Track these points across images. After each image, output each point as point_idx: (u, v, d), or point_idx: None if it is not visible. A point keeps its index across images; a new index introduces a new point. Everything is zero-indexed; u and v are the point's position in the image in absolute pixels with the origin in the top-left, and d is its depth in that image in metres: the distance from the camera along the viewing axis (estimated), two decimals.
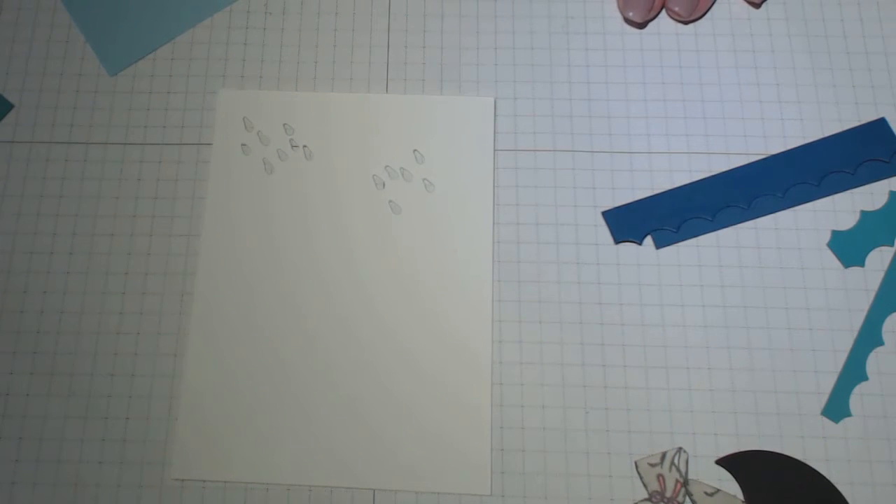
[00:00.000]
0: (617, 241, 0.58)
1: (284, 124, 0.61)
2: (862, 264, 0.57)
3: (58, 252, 0.58)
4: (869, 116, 0.61)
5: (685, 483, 0.52)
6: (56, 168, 0.60)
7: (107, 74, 0.63)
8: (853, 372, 0.54)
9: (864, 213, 0.58)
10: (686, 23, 0.58)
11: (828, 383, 0.55)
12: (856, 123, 0.61)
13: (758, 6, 0.59)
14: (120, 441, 0.54)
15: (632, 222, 0.58)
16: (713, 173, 0.60)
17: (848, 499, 0.52)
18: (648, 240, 0.58)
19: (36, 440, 0.54)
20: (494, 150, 0.60)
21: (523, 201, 0.59)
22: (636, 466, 0.53)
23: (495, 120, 0.61)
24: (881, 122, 0.60)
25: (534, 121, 0.61)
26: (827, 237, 0.58)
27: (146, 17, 0.65)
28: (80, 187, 0.60)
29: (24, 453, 0.54)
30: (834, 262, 0.57)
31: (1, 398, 0.55)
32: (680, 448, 0.53)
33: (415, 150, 0.60)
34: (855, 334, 0.56)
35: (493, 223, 0.59)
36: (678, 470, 0.52)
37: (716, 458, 0.53)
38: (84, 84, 0.63)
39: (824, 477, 0.52)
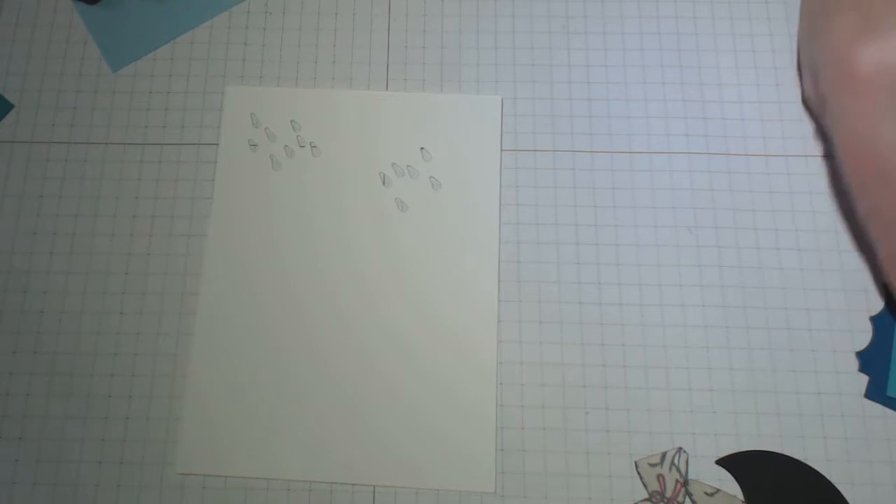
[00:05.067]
0: None
1: (292, 121, 0.61)
2: None
3: (58, 252, 0.59)
4: None
5: (685, 483, 0.52)
6: (56, 168, 0.60)
7: (107, 74, 0.63)
8: None
9: None
10: None
11: (828, 383, 0.55)
12: None
13: None
14: (120, 441, 0.54)
15: None
16: (713, 172, 0.60)
17: (848, 499, 0.52)
18: (649, 240, 0.58)
19: (36, 440, 0.54)
20: (501, 149, 0.61)
21: (523, 201, 0.59)
22: (636, 466, 0.53)
23: (502, 119, 0.61)
24: None
25: (534, 121, 0.61)
26: (826, 239, 0.58)
27: (151, 13, 0.65)
28: (80, 187, 0.60)
29: (23, 453, 0.54)
30: (834, 262, 0.57)
31: (1, 398, 0.55)
32: (680, 448, 0.53)
33: (422, 148, 0.60)
34: (854, 335, 0.56)
35: (500, 222, 0.59)
36: (678, 470, 0.53)
37: (716, 459, 0.53)
38: (84, 84, 0.63)
39: (825, 477, 0.52)
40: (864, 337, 0.56)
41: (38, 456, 0.54)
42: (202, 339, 0.56)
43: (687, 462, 0.53)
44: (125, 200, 0.60)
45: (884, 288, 0.56)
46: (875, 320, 0.56)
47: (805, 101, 0.60)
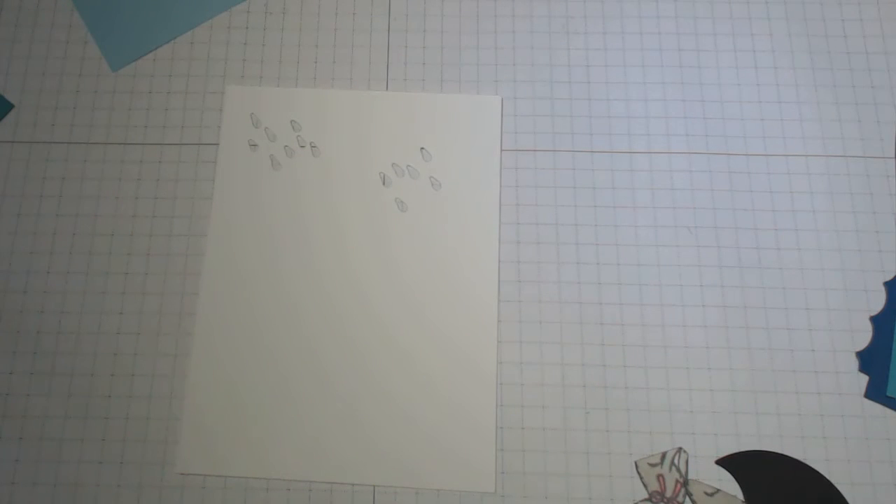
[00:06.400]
0: None
1: (292, 121, 0.61)
2: None
3: (58, 252, 0.58)
4: (868, 116, 0.61)
5: (685, 483, 0.52)
6: (56, 168, 0.60)
7: (107, 74, 0.63)
8: None
9: None
10: None
11: (828, 383, 0.55)
12: (856, 123, 0.61)
13: None
14: (120, 441, 0.54)
15: None
16: (713, 172, 0.60)
17: (848, 499, 0.52)
18: (649, 240, 0.58)
19: (36, 440, 0.54)
20: (501, 149, 0.61)
21: (523, 201, 0.59)
22: (636, 466, 0.53)
23: (502, 119, 0.61)
24: None
25: (534, 121, 0.61)
26: (826, 239, 0.58)
27: (151, 14, 0.65)
28: (80, 187, 0.60)
29: (24, 453, 0.54)
30: (835, 262, 0.57)
31: (1, 398, 0.55)
32: (680, 448, 0.53)
33: (422, 148, 0.60)
34: (854, 335, 0.56)
35: (500, 222, 0.59)
36: (678, 470, 0.53)
37: (716, 459, 0.53)
38: (84, 84, 0.63)
39: (824, 477, 0.52)
40: (864, 337, 0.56)
41: (38, 456, 0.54)
42: (202, 340, 0.56)
43: (687, 462, 0.53)
44: (125, 200, 0.60)
45: None
46: (875, 320, 0.56)
47: None
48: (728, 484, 0.52)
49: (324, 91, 0.62)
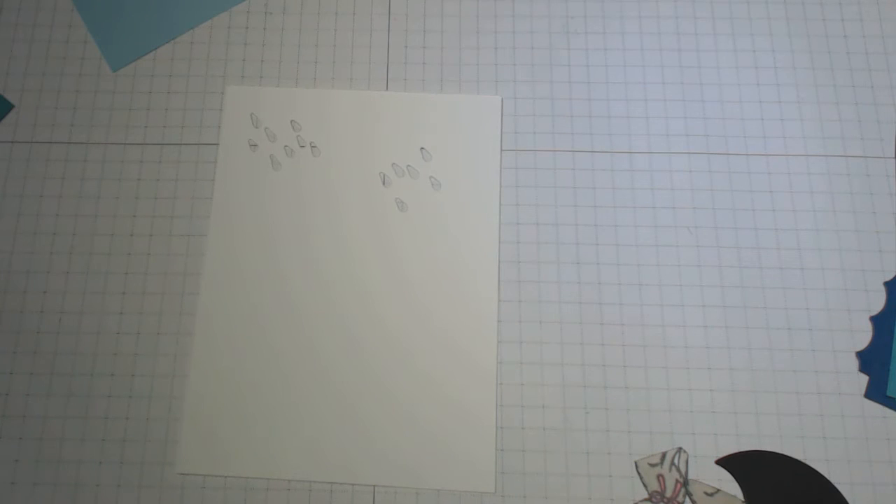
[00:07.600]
0: None
1: (292, 121, 0.61)
2: None
3: (58, 252, 0.59)
4: (868, 116, 0.61)
5: (685, 483, 0.52)
6: (56, 168, 0.60)
7: (107, 74, 0.63)
8: None
9: None
10: None
11: (828, 383, 0.55)
12: (856, 123, 0.61)
13: None
14: (120, 441, 0.54)
15: None
16: (713, 172, 0.60)
17: (848, 499, 0.52)
18: (649, 240, 0.58)
19: (36, 440, 0.54)
20: (501, 149, 0.61)
21: (523, 201, 0.59)
22: (636, 466, 0.53)
23: (502, 119, 0.61)
24: None
25: (534, 121, 0.61)
26: (826, 239, 0.58)
27: (151, 14, 0.65)
28: (80, 187, 0.60)
29: (23, 453, 0.54)
30: (834, 262, 0.57)
31: (1, 398, 0.55)
32: (680, 448, 0.53)
33: (422, 148, 0.61)
34: (854, 335, 0.56)
35: (500, 222, 0.59)
36: (678, 470, 0.53)
37: (716, 459, 0.53)
38: (84, 84, 0.63)
39: (824, 477, 0.52)
40: (864, 337, 0.56)
41: (38, 456, 0.54)
42: (202, 339, 0.56)
43: (687, 462, 0.53)
44: (125, 200, 0.60)
45: None
46: (875, 320, 0.56)
47: None
48: (728, 484, 0.52)
49: (324, 91, 0.62)
